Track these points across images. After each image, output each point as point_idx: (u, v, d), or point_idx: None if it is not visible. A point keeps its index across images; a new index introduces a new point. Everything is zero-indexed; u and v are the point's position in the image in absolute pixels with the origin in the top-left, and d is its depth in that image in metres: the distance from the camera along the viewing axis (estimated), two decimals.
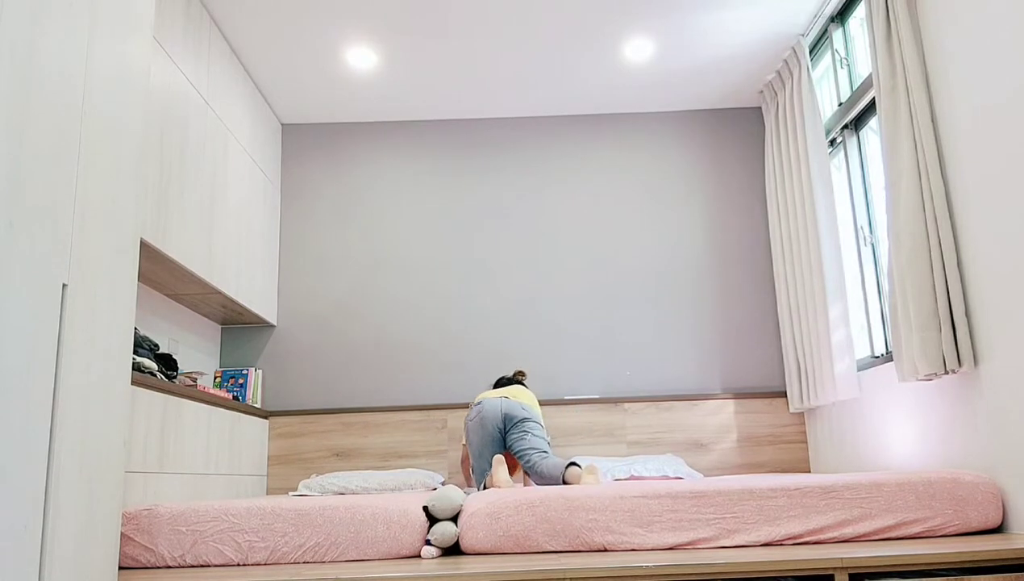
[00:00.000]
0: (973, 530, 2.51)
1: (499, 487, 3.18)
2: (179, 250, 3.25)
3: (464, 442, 3.88)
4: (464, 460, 3.94)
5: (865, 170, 3.79)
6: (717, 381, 4.48)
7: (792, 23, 3.95)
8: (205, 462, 3.42)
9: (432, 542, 2.47)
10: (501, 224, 4.70)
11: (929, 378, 2.87)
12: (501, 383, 4.00)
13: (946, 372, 2.78)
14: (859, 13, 3.74)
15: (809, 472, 4.30)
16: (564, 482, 3.23)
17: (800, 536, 2.46)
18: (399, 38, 3.96)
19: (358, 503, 2.53)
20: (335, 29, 3.86)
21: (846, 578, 2.16)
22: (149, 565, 2.41)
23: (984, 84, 2.65)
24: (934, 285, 2.81)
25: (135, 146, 2.28)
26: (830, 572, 2.16)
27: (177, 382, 3.33)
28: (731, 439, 4.36)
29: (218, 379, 4.30)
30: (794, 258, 4.13)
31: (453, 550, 2.59)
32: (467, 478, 3.96)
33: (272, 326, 4.55)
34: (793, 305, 4.17)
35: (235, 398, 4.20)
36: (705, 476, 4.15)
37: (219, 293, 3.72)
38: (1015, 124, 2.50)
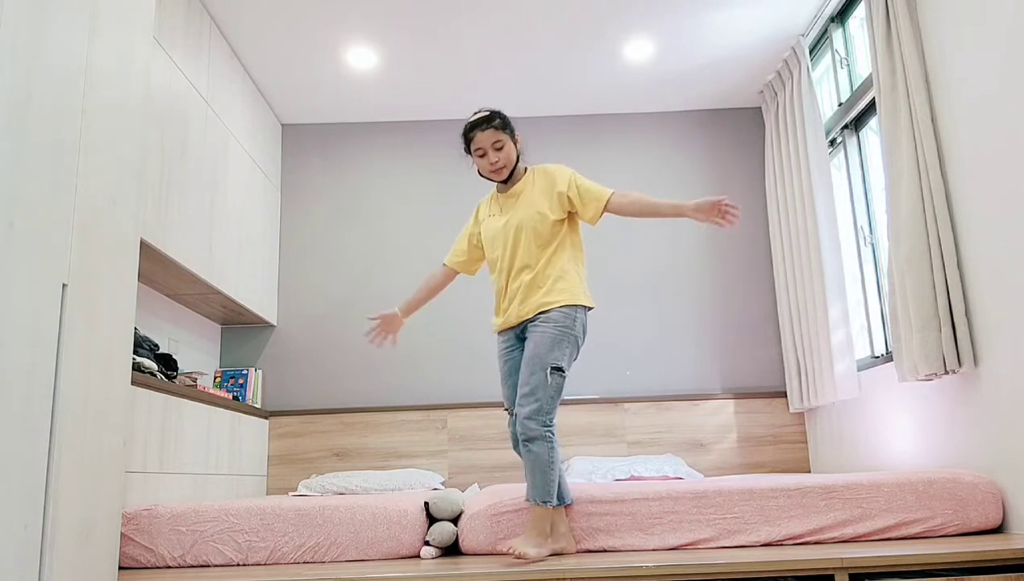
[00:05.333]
0: (973, 530, 2.51)
1: None
2: (179, 250, 3.25)
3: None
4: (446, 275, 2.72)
5: (865, 170, 3.79)
6: (717, 381, 4.48)
7: (792, 23, 3.94)
8: (205, 462, 3.42)
9: (431, 542, 2.48)
10: None
11: (929, 378, 2.87)
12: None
13: (946, 372, 2.78)
14: (859, 13, 3.74)
15: (809, 472, 4.30)
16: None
17: (800, 536, 2.46)
18: (399, 38, 3.96)
19: (358, 503, 2.53)
20: (335, 29, 3.86)
21: (846, 578, 2.16)
22: (149, 565, 2.41)
23: (984, 84, 2.65)
24: (934, 285, 2.81)
25: (135, 146, 2.27)
26: (830, 572, 2.16)
27: (177, 382, 3.33)
28: (731, 439, 4.36)
29: (218, 379, 4.29)
30: (794, 258, 4.13)
31: (453, 550, 2.59)
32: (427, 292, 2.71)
33: (272, 326, 4.55)
34: (793, 305, 4.17)
35: (235, 398, 4.20)
36: (705, 476, 4.15)
37: (219, 293, 3.72)
38: (1015, 124, 2.50)
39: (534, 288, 2.45)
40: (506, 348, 2.57)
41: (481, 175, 2.59)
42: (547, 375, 2.33)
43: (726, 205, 2.33)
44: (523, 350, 2.48)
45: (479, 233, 2.69)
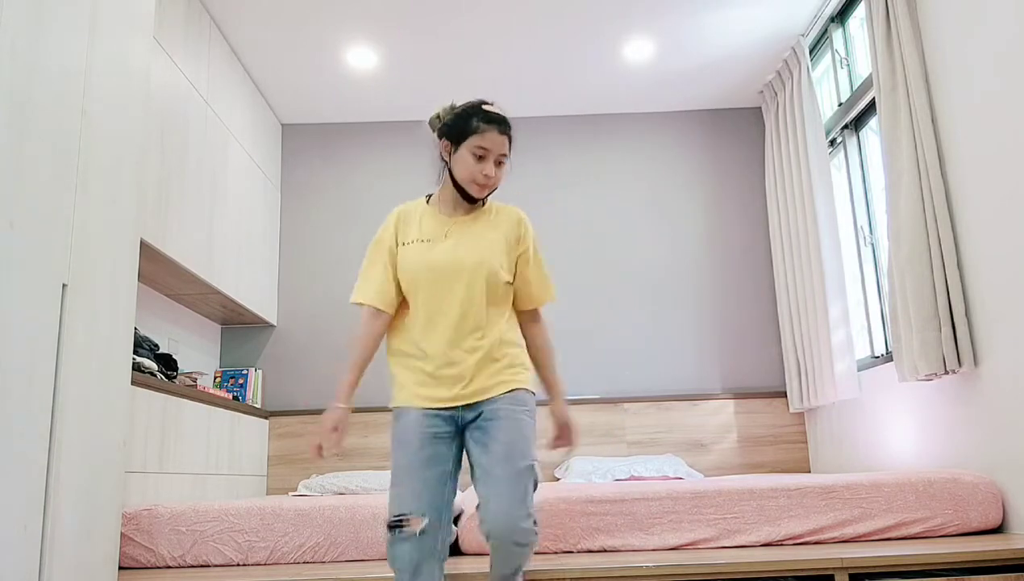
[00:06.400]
0: (973, 530, 2.51)
1: None
2: (179, 250, 3.25)
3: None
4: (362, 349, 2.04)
5: (865, 170, 3.79)
6: (717, 381, 4.48)
7: (792, 23, 3.94)
8: (205, 462, 3.42)
9: None
10: None
11: (929, 378, 2.87)
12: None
13: (946, 372, 2.78)
14: (859, 13, 3.73)
15: (809, 472, 4.30)
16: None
17: (800, 536, 2.46)
18: (398, 38, 3.96)
19: (358, 503, 2.53)
20: (335, 29, 3.86)
21: (846, 578, 2.16)
22: (149, 565, 2.41)
23: (984, 84, 2.65)
24: (934, 285, 2.81)
25: (135, 146, 2.27)
26: (830, 572, 2.16)
27: (177, 382, 3.33)
28: (731, 439, 4.36)
29: (218, 379, 4.29)
30: (794, 258, 4.13)
31: (453, 550, 2.58)
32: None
33: (272, 326, 4.55)
34: (793, 305, 4.17)
35: (235, 398, 4.20)
36: (705, 476, 4.15)
37: (219, 293, 3.72)
38: (1015, 124, 2.50)
39: (488, 360, 1.91)
40: (431, 433, 1.87)
41: (452, 177, 2.01)
42: (533, 474, 1.84)
43: (562, 443, 2.03)
44: (458, 441, 1.91)
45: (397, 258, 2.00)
